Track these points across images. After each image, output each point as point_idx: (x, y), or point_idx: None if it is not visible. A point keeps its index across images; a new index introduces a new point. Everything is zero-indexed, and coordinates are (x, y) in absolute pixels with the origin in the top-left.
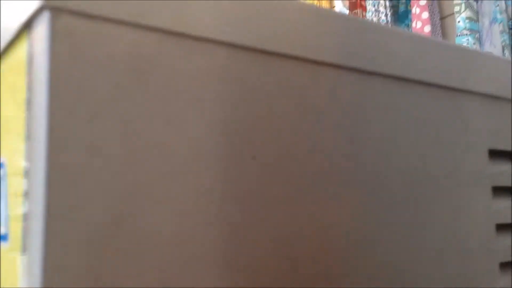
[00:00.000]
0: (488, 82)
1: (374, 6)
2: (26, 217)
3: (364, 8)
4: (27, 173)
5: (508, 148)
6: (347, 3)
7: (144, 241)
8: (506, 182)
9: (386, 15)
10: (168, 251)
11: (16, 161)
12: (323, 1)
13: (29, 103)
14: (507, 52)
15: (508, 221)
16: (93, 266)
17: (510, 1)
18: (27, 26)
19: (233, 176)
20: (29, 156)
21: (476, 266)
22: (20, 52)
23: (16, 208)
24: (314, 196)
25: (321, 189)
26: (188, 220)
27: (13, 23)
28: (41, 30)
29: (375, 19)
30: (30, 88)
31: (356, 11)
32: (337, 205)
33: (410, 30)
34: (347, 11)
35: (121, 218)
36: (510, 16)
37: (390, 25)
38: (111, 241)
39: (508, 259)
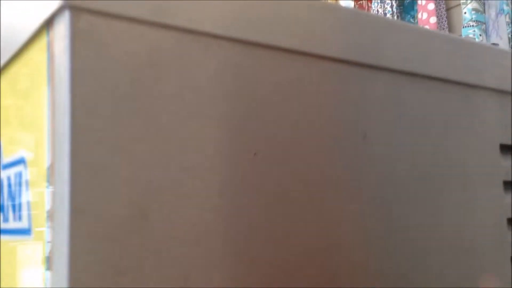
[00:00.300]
0: (500, 77)
1: None
2: (50, 213)
3: None
4: (51, 170)
5: None
6: None
7: (166, 236)
8: None
9: (391, 6)
10: (188, 245)
11: (39, 157)
12: None
13: (51, 101)
14: None
15: None
16: (115, 260)
17: None
18: (47, 25)
19: (252, 170)
20: (52, 153)
21: (488, 259)
22: (40, 50)
23: (40, 203)
24: (320, 193)
25: (329, 185)
26: (209, 214)
27: (32, 22)
28: (62, 29)
29: (380, 10)
30: (52, 86)
31: (361, 1)
32: (345, 200)
33: (416, 21)
34: (352, 2)
35: (144, 213)
36: None
37: (396, 16)
38: (134, 236)
39: None
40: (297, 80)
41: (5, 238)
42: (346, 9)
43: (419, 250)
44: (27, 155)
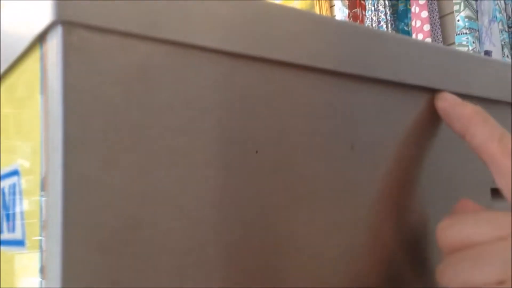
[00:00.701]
0: (488, 86)
1: (374, 5)
2: (43, 224)
3: (363, 7)
4: (44, 180)
5: None
6: (346, 2)
7: (158, 246)
8: None
9: (385, 14)
10: (182, 256)
11: (35, 166)
12: (323, 0)
13: (44, 112)
14: (506, 51)
15: None
16: (109, 271)
17: (509, 0)
18: (40, 39)
19: (243, 182)
20: (46, 164)
21: None
22: (33, 64)
23: (33, 214)
24: (310, 199)
25: (318, 192)
26: (200, 224)
27: (26, 34)
28: (54, 43)
29: (374, 18)
30: (45, 98)
31: (355, 10)
32: (333, 209)
33: (409, 29)
34: (346, 10)
35: (138, 224)
36: (509, 15)
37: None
38: (126, 247)
39: None
40: (287, 92)
41: (3, 248)
42: (334, 21)
43: (408, 258)
44: (23, 165)
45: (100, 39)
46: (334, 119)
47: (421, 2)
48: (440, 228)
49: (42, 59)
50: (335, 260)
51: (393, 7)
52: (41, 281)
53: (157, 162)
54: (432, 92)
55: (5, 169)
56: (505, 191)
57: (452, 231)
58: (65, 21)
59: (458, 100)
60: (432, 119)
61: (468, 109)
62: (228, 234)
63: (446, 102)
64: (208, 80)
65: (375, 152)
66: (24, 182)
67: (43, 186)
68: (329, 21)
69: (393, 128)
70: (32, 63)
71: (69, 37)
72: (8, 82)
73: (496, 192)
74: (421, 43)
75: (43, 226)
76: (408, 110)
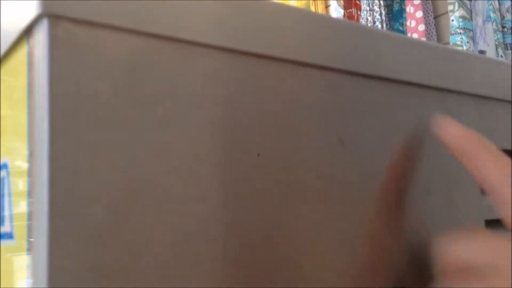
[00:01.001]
0: (479, 83)
1: (369, 5)
2: (30, 216)
3: (359, 7)
4: (30, 174)
5: (499, 147)
6: (342, 2)
7: (146, 239)
8: None
9: (380, 14)
10: (169, 249)
11: (19, 161)
12: (318, 0)
13: (31, 106)
14: (500, 51)
15: (497, 217)
16: (96, 263)
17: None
18: (27, 32)
19: (231, 176)
20: (32, 157)
21: None
22: (20, 57)
23: (21, 207)
24: (303, 195)
25: (311, 188)
26: (189, 218)
27: (13, 29)
28: (41, 36)
29: (370, 18)
30: (32, 92)
31: (351, 10)
32: (325, 204)
33: (404, 28)
34: (342, 10)
35: (123, 217)
36: (503, 15)
37: (385, 24)
38: (113, 239)
39: None
40: (277, 87)
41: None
42: (330, 18)
43: (406, 257)
44: (7, 160)
45: (87, 32)
46: (323, 114)
47: (415, 2)
48: (444, 243)
49: (29, 53)
50: (330, 256)
51: (388, 7)
52: (28, 276)
53: (145, 155)
54: (419, 87)
55: None
56: (506, 220)
57: (457, 250)
58: (51, 14)
59: (458, 130)
60: (423, 116)
61: (468, 141)
62: (217, 228)
63: (447, 133)
64: (198, 75)
65: (365, 148)
66: (11, 178)
67: (29, 179)
68: (319, 17)
69: (386, 124)
70: (20, 58)
71: (55, 31)
72: (5, 81)
73: None
74: (412, 40)
75: (28, 220)
76: (401, 106)
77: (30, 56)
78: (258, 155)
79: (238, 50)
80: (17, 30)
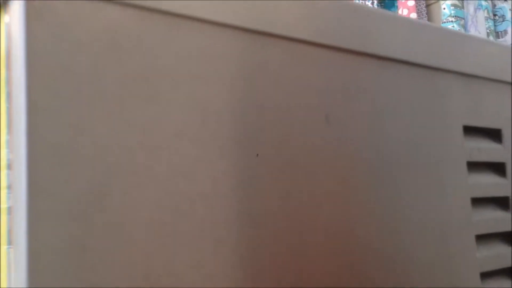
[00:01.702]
0: (465, 61)
1: None
2: (9, 193)
3: None
4: (9, 148)
5: (484, 125)
6: None
7: (128, 216)
8: (481, 158)
9: (372, 3)
10: (154, 225)
11: (1, 154)
12: None
13: (9, 82)
14: (491, 38)
15: (483, 195)
16: (79, 239)
17: None
18: (4, 3)
19: (216, 152)
20: (10, 132)
21: (454, 238)
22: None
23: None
24: (289, 170)
25: (297, 163)
26: (174, 196)
27: None
28: (17, 9)
29: None
30: (9, 67)
31: None
32: (314, 181)
33: None
34: None
35: (106, 193)
36: (495, 3)
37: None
38: (96, 215)
39: (484, 231)
40: (265, 62)
41: None
42: None
43: (385, 232)
44: None
45: (66, 4)
46: (310, 90)
47: None
48: None
49: (7, 28)
50: (316, 236)
51: None
52: (8, 248)
53: (128, 131)
54: (407, 65)
55: None
56: None
57: None
58: None
59: None
60: (409, 92)
61: None
62: (204, 206)
63: None
64: (183, 49)
65: (352, 126)
66: None
67: (9, 150)
68: None
69: (374, 101)
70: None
71: (32, 2)
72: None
73: (468, 129)
74: (396, 17)
75: (9, 194)
76: (388, 82)
77: (7, 30)
78: (246, 132)
79: (226, 24)
80: None
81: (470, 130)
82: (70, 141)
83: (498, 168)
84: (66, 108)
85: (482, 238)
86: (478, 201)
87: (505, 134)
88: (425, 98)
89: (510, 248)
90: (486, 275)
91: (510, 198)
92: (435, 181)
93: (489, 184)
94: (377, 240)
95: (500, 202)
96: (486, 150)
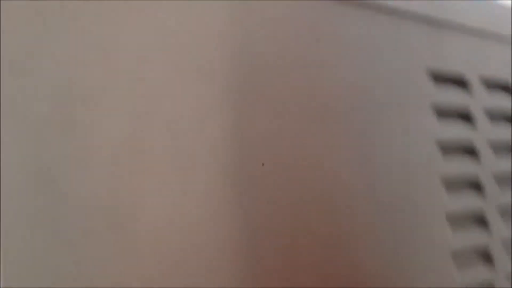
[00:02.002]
0: (470, 16)
1: None
2: None
3: None
4: None
5: (451, 72)
6: None
7: (93, 143)
8: (450, 105)
9: None
10: (116, 153)
11: None
12: None
13: None
14: None
15: (450, 141)
16: (44, 158)
17: None
18: None
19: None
20: None
21: (420, 184)
22: None
23: None
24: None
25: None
26: (135, 121)
27: None
28: None
29: None
30: None
31: None
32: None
33: None
34: None
35: (70, 116)
36: None
37: None
38: (60, 137)
39: (450, 176)
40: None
41: None
42: None
43: (356, 175)
44: None
45: None
46: (300, 39)
47: None
48: None
49: None
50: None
51: None
52: None
53: (90, 53)
54: (371, 9)
55: None
56: None
57: None
58: None
59: None
60: (368, 35)
61: None
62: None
63: None
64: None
65: (346, 78)
66: None
67: None
68: None
69: (336, 44)
70: None
71: None
72: None
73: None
74: None
75: None
76: (350, 25)
77: None
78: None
79: None
80: None
81: (434, 75)
82: (29, 60)
83: (465, 118)
84: (28, 25)
85: (449, 183)
86: (445, 148)
87: (473, 82)
88: (388, 42)
89: (478, 196)
90: (455, 225)
91: (476, 148)
92: (401, 124)
93: (456, 132)
94: (343, 179)
95: (468, 151)
96: (452, 97)
